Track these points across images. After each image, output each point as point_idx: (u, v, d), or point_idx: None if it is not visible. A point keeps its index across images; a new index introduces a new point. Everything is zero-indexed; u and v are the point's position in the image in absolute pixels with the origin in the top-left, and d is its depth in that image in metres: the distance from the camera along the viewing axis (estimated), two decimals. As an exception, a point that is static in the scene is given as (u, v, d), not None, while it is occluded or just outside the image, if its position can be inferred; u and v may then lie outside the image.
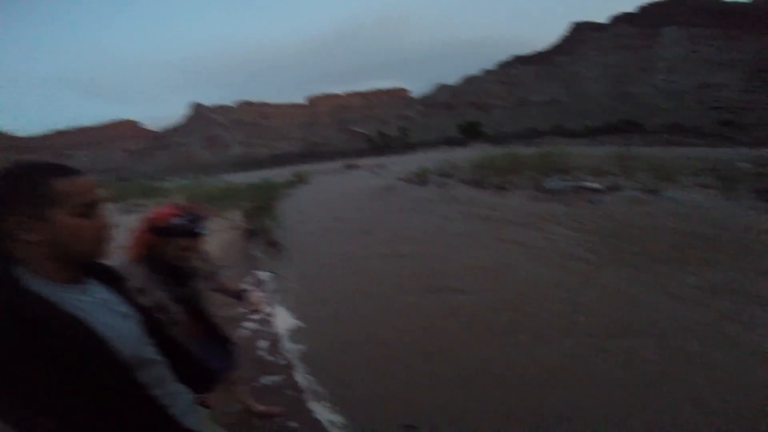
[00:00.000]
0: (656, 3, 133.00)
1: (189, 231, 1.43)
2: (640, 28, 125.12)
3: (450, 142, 43.85)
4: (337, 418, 2.22)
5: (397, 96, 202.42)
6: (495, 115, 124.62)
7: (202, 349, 1.54)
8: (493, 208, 7.30)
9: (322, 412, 2.28)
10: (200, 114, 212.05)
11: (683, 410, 2.05)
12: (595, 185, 8.61)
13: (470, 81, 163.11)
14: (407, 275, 4.37)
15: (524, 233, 5.61)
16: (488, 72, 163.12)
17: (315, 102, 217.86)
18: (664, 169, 10.02)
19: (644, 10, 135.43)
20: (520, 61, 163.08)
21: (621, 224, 5.87)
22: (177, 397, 0.87)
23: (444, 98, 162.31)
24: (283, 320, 3.56)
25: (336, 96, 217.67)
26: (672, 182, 9.34)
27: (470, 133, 45.73)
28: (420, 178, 10.75)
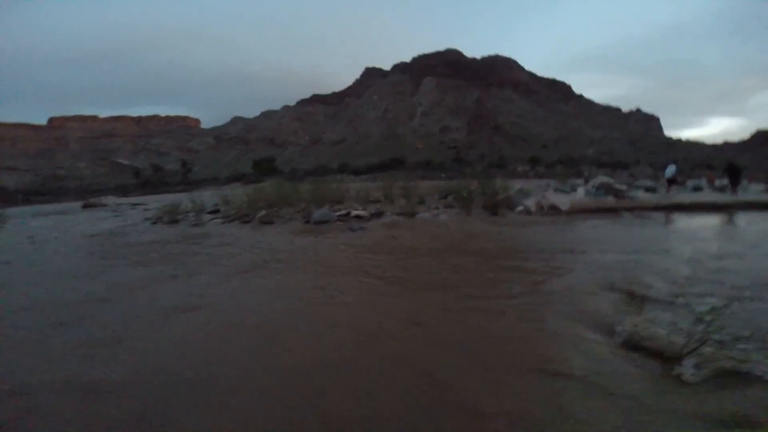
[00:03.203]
0: (423, 55, 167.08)
1: None
2: (410, 76, 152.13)
3: (243, 178, 41.27)
4: None
5: (184, 125, 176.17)
6: (290, 152, 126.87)
7: None
8: (236, 244, 6.25)
9: None
10: None
11: None
12: (362, 212, 8.99)
13: (268, 116, 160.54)
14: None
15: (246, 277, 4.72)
16: (287, 108, 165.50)
17: (59, 124, 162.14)
18: (418, 197, 11.76)
19: (414, 60, 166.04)
20: (318, 100, 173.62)
21: (376, 244, 5.95)
22: None
23: (238, 132, 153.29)
24: None
25: (92, 118, 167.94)
26: (424, 206, 11.03)
27: (265, 169, 44.46)
28: (171, 217, 8.62)
